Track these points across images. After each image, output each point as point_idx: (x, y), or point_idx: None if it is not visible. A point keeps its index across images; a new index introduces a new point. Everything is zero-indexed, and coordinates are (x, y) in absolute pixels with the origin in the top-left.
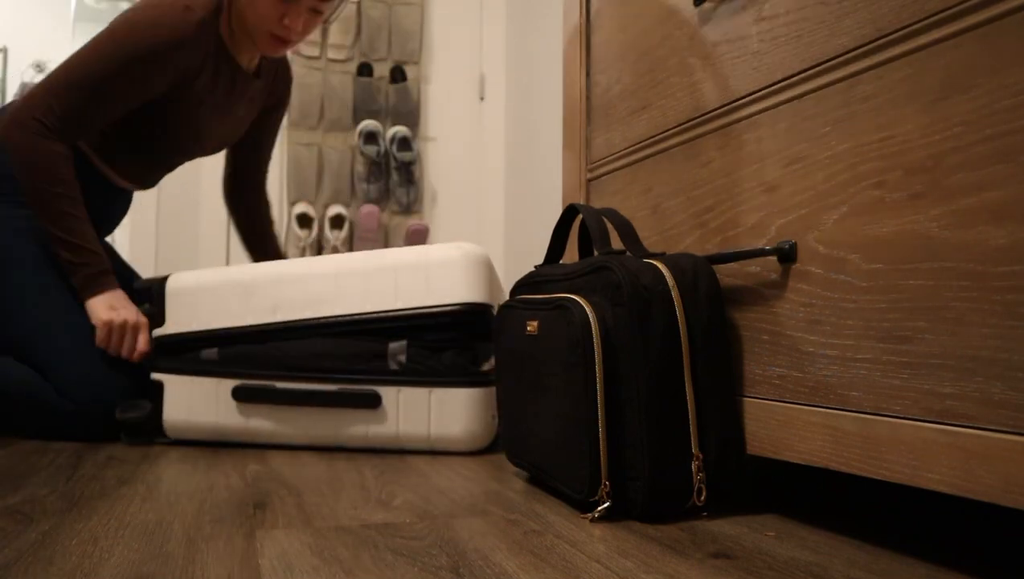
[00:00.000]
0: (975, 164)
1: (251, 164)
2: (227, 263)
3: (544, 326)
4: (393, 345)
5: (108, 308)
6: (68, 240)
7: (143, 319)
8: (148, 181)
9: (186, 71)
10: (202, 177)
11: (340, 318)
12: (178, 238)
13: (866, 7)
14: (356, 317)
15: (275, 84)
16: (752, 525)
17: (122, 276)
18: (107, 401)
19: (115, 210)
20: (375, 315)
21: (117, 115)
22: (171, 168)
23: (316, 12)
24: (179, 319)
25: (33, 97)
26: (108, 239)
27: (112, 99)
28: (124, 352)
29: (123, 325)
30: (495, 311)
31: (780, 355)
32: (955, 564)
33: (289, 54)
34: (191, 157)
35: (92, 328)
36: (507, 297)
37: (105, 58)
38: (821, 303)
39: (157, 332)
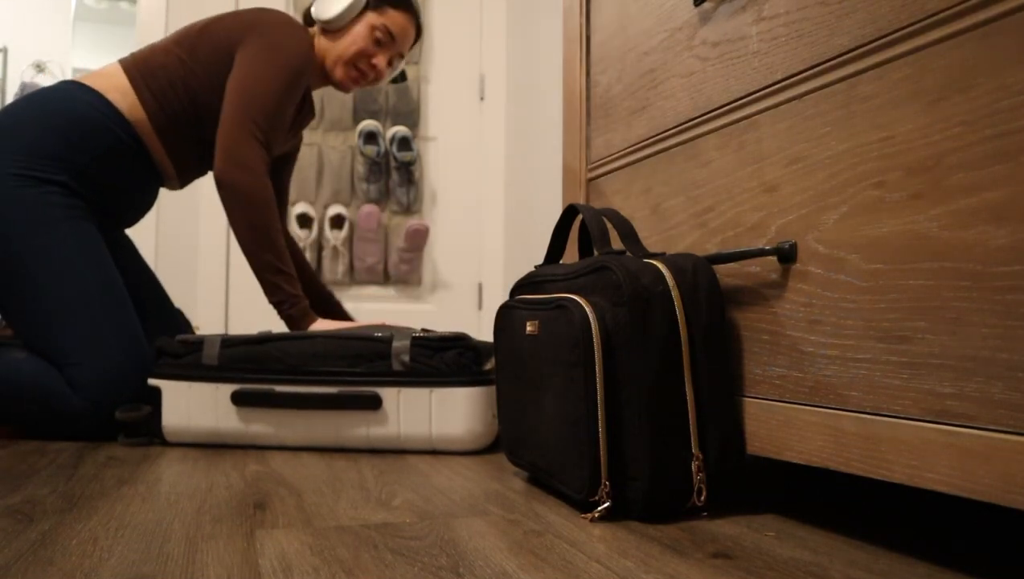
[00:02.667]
0: (975, 164)
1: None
2: (227, 265)
3: (544, 326)
4: (397, 344)
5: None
6: (287, 271)
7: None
8: (187, 180)
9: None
10: (202, 181)
11: None
12: (178, 239)
13: (866, 7)
14: None
15: (305, 124)
16: (752, 525)
17: (149, 283)
18: (120, 400)
19: (148, 202)
20: None
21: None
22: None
23: (391, 65)
24: None
25: (238, 127)
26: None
27: (285, 117)
28: None
29: None
30: None
31: (780, 355)
32: (955, 564)
33: None
34: None
35: (113, 326)
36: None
37: (278, 74)
38: (821, 303)
39: None
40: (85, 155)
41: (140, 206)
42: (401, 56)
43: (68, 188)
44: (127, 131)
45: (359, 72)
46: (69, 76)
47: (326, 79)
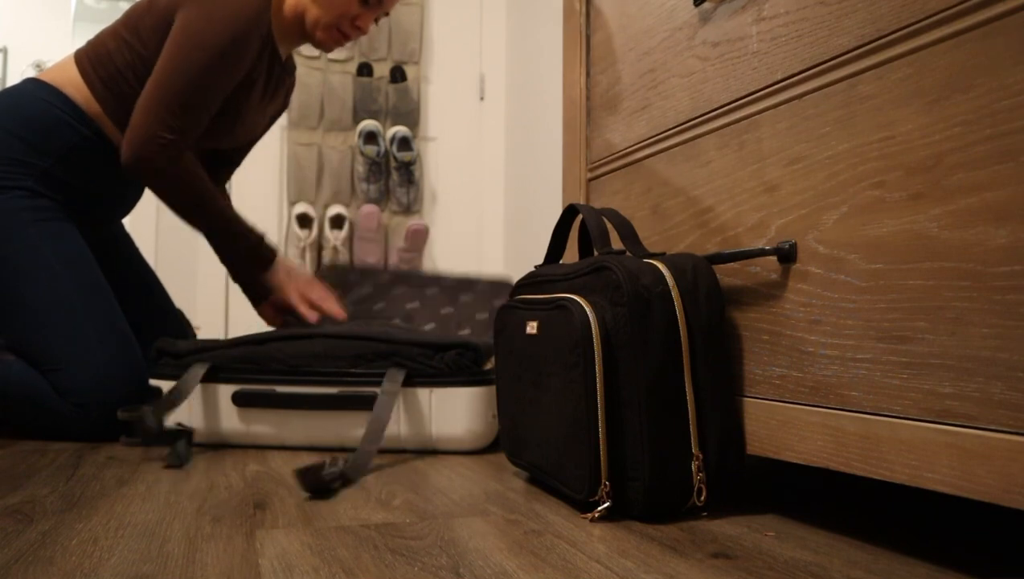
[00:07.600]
0: (975, 164)
1: (224, 166)
2: None
3: (544, 326)
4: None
5: (286, 279)
6: (233, 230)
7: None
8: None
9: (255, 55)
10: None
11: None
12: (178, 239)
13: (866, 7)
14: None
15: (290, 88)
16: (752, 525)
17: (143, 277)
18: (109, 403)
19: (131, 193)
20: None
21: (215, 110)
22: None
23: (375, 21)
24: None
25: (146, 116)
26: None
27: (214, 95)
28: (326, 310)
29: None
30: None
31: (780, 355)
32: (955, 564)
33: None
34: (214, 146)
35: (96, 327)
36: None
37: (197, 55)
38: (821, 303)
39: None
40: (48, 156)
41: (123, 199)
42: (386, 14)
43: (34, 191)
44: (87, 125)
45: (341, 34)
46: None
47: (304, 37)
